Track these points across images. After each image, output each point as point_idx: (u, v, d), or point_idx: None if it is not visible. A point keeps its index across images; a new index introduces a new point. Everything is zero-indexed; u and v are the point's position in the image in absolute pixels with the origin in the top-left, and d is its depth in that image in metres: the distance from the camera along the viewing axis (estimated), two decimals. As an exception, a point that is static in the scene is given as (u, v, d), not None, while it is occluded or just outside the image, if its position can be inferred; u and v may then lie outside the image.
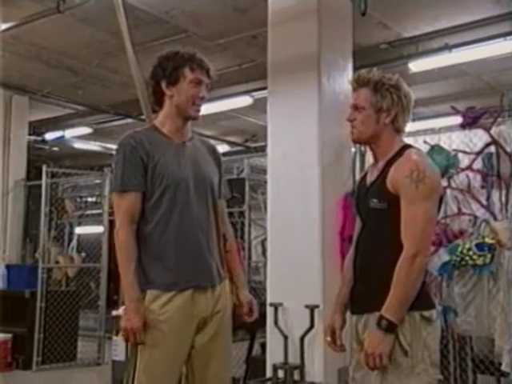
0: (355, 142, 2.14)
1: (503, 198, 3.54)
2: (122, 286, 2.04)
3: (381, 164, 2.02)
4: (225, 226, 2.29)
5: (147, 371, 2.00)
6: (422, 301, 1.91)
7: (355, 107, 2.04)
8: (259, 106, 6.59)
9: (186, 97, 2.13)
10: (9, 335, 5.82)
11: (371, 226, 2.03)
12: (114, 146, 2.79)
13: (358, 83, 2.04)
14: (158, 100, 2.20)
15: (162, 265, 2.05)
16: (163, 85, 2.14)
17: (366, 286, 2.01)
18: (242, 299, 2.26)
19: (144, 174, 2.06)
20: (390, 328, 1.84)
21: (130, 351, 2.04)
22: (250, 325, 4.25)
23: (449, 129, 3.90)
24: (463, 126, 3.76)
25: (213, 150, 2.32)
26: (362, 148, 4.04)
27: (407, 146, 2.03)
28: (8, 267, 6.71)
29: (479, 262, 3.41)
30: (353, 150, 4.15)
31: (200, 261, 2.10)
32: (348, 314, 2.11)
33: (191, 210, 2.11)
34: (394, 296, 1.85)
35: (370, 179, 2.06)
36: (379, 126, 2.01)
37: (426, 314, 1.91)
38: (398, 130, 2.04)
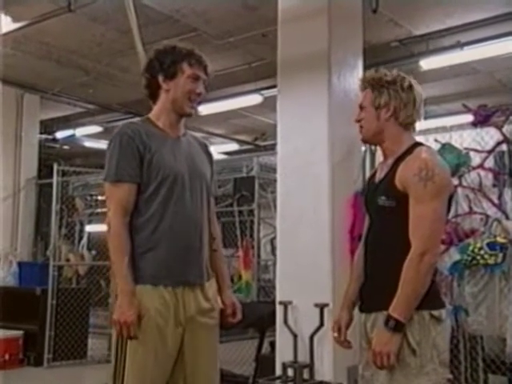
0: (364, 141, 2.15)
1: (515, 197, 3.52)
2: (115, 278, 1.99)
3: (390, 161, 2.01)
4: (213, 224, 2.26)
5: (136, 368, 1.97)
6: (431, 300, 1.89)
7: (360, 108, 2.07)
8: (269, 105, 6.58)
9: (182, 92, 2.10)
10: (20, 332, 5.87)
11: (379, 224, 2.02)
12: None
13: (364, 84, 2.08)
14: (152, 93, 2.17)
15: (153, 258, 2.02)
16: (160, 78, 2.11)
17: (374, 285, 2.00)
18: (225, 301, 2.22)
19: (140, 166, 2.02)
20: (398, 327, 1.83)
21: (120, 347, 1.99)
22: (259, 323, 4.26)
23: (460, 127, 3.88)
24: (475, 124, 3.74)
25: (205, 148, 2.30)
26: (373, 146, 4.02)
27: (417, 144, 2.02)
28: (19, 264, 6.77)
29: (491, 261, 3.38)
30: (363, 148, 4.13)
31: (191, 256, 2.08)
32: (357, 312, 2.11)
33: (186, 204, 2.08)
34: (401, 295, 1.84)
35: (379, 176, 2.06)
36: (380, 123, 2.01)
37: (436, 313, 1.89)
38: (405, 125, 2.02)
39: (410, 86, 2.01)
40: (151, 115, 2.18)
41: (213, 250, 2.22)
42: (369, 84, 2.03)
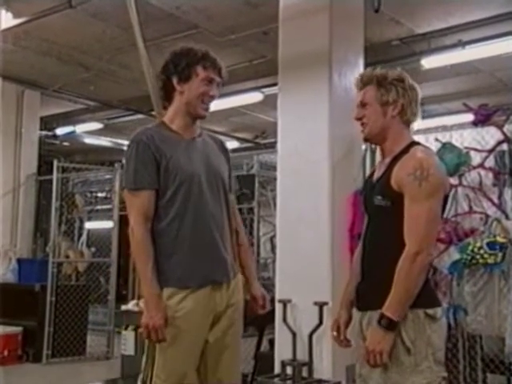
0: (366, 140, 2.13)
1: (515, 197, 3.51)
2: (140, 283, 2.07)
3: (387, 160, 2.02)
4: (236, 220, 2.30)
5: (166, 368, 2.02)
6: (426, 298, 1.90)
7: (362, 105, 2.05)
8: (269, 102, 6.58)
9: (196, 94, 2.13)
10: (19, 328, 5.88)
11: (376, 223, 2.03)
12: (125, 142, 2.77)
13: (363, 82, 2.06)
14: (167, 95, 2.20)
15: (178, 261, 2.05)
16: (174, 80, 2.14)
17: (370, 283, 2.01)
18: (254, 293, 2.27)
19: (157, 172, 2.06)
20: (391, 326, 1.83)
21: (148, 347, 2.05)
22: (258, 321, 4.26)
23: (461, 126, 3.88)
24: (475, 124, 3.73)
25: (221, 145, 2.34)
26: (373, 145, 4.01)
27: (414, 143, 2.02)
28: (19, 261, 6.77)
29: (490, 260, 3.38)
30: (363, 146, 4.13)
31: (216, 256, 2.12)
32: (355, 310, 2.11)
33: (205, 205, 2.12)
34: (394, 294, 1.84)
35: (376, 175, 2.06)
36: (387, 120, 2.00)
37: (431, 311, 1.90)
38: (407, 123, 2.03)
39: (413, 85, 2.02)
40: (166, 118, 2.20)
41: (239, 245, 2.27)
42: (373, 81, 2.01)
